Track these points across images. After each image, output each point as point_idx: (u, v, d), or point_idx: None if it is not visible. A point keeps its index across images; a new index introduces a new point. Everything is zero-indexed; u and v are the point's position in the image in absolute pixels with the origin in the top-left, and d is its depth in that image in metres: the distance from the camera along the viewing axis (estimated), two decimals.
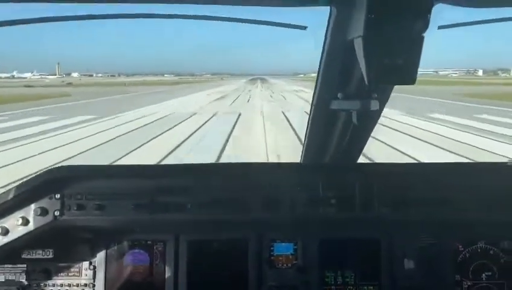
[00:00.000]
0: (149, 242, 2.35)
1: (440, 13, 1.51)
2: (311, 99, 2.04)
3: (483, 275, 2.26)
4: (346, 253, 2.29)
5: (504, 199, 2.15)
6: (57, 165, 2.29)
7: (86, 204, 2.21)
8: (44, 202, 2.21)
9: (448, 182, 2.19)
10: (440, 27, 1.68)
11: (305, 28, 1.72)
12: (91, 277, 2.33)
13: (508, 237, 2.28)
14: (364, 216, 2.18)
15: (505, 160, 2.27)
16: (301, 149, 2.40)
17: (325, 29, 1.68)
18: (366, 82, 1.44)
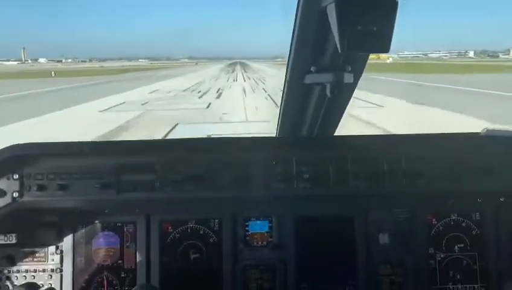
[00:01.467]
0: (119, 224, 2.30)
1: None
2: None
3: (456, 247, 2.32)
4: (321, 230, 2.31)
5: (476, 169, 2.19)
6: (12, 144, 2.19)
7: (47, 184, 2.13)
8: (1, 183, 2.13)
9: (422, 154, 2.22)
10: None
11: None
12: (58, 262, 2.28)
13: (479, 209, 2.34)
14: (338, 191, 2.19)
15: (478, 130, 2.30)
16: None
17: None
18: (339, 50, 1.45)
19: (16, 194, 2.12)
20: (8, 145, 2.15)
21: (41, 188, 2.12)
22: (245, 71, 78.53)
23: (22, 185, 2.13)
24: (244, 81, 47.49)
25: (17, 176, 2.13)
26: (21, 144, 2.16)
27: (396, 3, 1.40)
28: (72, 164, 2.15)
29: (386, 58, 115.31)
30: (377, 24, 1.40)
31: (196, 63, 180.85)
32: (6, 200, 2.12)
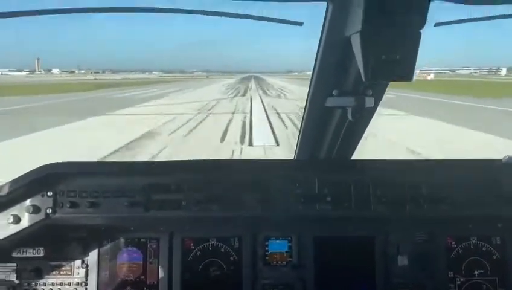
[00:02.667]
0: (142, 240, 2.46)
1: (438, 10, 1.63)
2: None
3: (476, 271, 2.41)
4: (340, 250, 2.42)
5: (496, 195, 2.30)
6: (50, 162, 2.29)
7: (79, 202, 2.31)
8: (36, 200, 2.31)
9: (443, 179, 2.33)
10: (437, 24, 1.80)
11: (301, 24, 1.83)
12: (83, 276, 2.44)
13: (499, 234, 2.42)
14: (360, 214, 2.31)
15: (499, 157, 2.39)
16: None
17: (322, 25, 1.79)
18: (363, 79, 1.54)
19: (49, 211, 2.30)
20: (42, 164, 2.32)
21: (73, 205, 2.30)
22: (262, 90, 55.41)
23: (55, 202, 2.31)
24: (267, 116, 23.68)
25: (51, 193, 2.31)
26: (55, 163, 2.36)
27: (419, 34, 1.48)
28: (103, 183, 2.33)
29: (427, 74, 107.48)
30: (400, 53, 1.48)
31: (207, 77, 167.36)
32: (40, 216, 2.30)
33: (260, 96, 42.65)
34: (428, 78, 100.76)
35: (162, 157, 12.02)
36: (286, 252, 2.43)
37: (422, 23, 1.44)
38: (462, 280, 2.40)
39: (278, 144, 15.11)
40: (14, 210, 2.28)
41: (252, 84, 78.37)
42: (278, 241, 2.44)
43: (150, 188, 2.33)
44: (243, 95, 46.16)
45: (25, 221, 2.28)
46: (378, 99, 2.07)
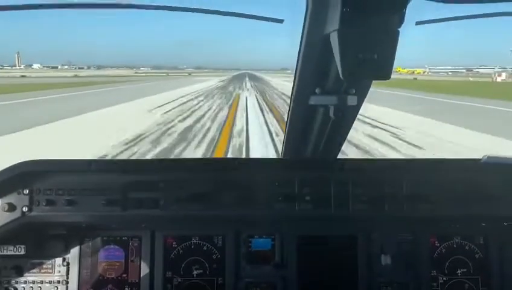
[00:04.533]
0: (124, 238, 2.55)
1: (419, 8, 1.73)
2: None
3: (459, 270, 2.53)
4: (323, 249, 2.53)
5: (478, 195, 2.41)
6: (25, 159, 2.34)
7: (55, 199, 2.39)
8: (12, 198, 2.39)
9: (424, 178, 2.44)
10: (418, 23, 1.90)
11: (281, 21, 1.91)
12: (64, 274, 2.53)
13: (483, 233, 2.54)
14: (339, 213, 2.42)
15: (478, 157, 2.50)
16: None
17: (302, 23, 1.86)
18: (341, 76, 1.61)
19: (25, 209, 2.38)
20: (18, 161, 2.40)
21: (49, 203, 2.38)
22: (260, 94, 42.54)
23: (31, 200, 2.39)
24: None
25: (27, 191, 2.40)
26: (31, 161, 2.44)
27: (397, 32, 1.54)
28: (80, 181, 2.42)
29: (497, 74, 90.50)
30: (377, 52, 1.55)
31: (189, 74, 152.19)
32: (16, 214, 2.38)
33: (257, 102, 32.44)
34: (499, 79, 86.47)
35: None
36: (269, 250, 2.53)
37: (399, 22, 1.51)
38: (444, 279, 2.51)
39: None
40: None
41: (246, 83, 67.64)
42: (261, 239, 2.54)
43: (127, 186, 2.41)
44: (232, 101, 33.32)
45: (1, 219, 2.35)
46: (361, 98, 2.14)
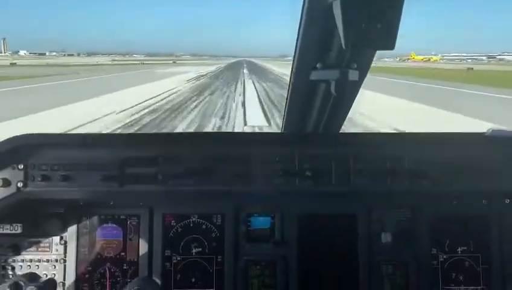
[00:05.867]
0: (122, 216, 2.58)
1: None
2: None
3: (459, 248, 2.58)
4: (323, 228, 2.56)
5: (481, 170, 2.44)
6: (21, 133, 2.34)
7: (51, 175, 2.41)
8: (6, 173, 2.40)
9: (426, 154, 2.47)
10: None
11: None
12: (62, 253, 2.56)
13: (483, 211, 2.58)
14: (340, 189, 2.45)
15: (483, 130, 2.52)
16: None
17: None
18: (344, 47, 1.62)
19: (20, 184, 2.40)
20: (12, 135, 2.41)
21: (45, 178, 2.40)
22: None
23: (26, 175, 2.41)
24: None
25: (22, 166, 2.41)
26: (26, 134, 2.44)
27: (402, 2, 1.53)
28: (76, 156, 2.43)
29: None
30: (381, 21, 1.54)
31: (174, 62, 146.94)
32: (11, 189, 2.40)
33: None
34: None
35: None
36: (269, 228, 2.58)
37: None
38: (445, 257, 2.57)
39: None
40: None
41: (244, 74, 55.68)
42: (260, 218, 2.58)
43: (124, 161, 2.43)
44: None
45: None
46: (363, 72, 2.16)
